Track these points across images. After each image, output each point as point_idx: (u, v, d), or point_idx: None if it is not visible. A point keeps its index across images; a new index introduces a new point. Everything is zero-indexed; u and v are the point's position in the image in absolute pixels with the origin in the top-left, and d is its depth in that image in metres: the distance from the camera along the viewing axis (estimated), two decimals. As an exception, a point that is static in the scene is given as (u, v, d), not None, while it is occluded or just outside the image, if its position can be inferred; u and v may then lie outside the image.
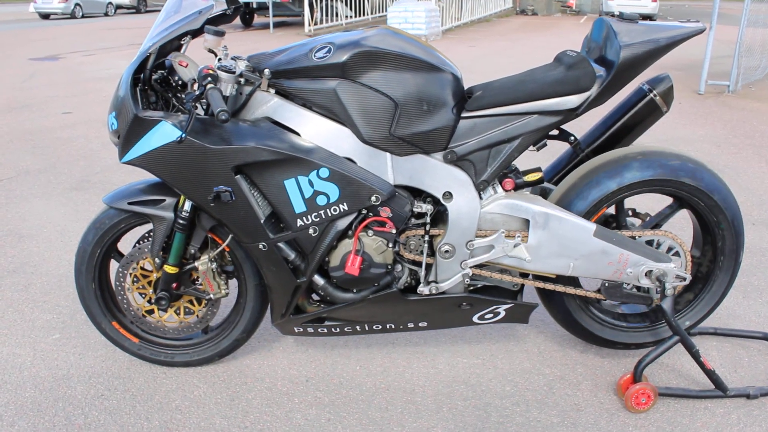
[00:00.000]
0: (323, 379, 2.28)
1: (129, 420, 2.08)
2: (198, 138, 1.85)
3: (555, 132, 2.26)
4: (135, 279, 2.20)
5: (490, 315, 2.16)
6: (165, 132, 1.86)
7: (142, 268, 2.19)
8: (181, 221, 2.04)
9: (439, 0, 15.22)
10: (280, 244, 1.99)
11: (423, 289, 2.06)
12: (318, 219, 1.94)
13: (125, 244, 2.29)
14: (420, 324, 2.17)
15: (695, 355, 2.10)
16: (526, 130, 1.96)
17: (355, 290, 2.07)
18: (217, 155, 1.85)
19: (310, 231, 1.95)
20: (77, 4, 22.46)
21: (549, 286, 2.12)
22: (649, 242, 2.14)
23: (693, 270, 2.29)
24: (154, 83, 1.97)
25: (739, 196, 4.08)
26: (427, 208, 1.99)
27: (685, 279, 2.09)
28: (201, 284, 2.19)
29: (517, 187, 2.07)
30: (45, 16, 22.32)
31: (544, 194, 2.23)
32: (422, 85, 1.90)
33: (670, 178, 2.03)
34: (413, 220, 2.05)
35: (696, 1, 32.38)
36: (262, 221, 1.95)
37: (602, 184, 2.05)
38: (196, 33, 2.10)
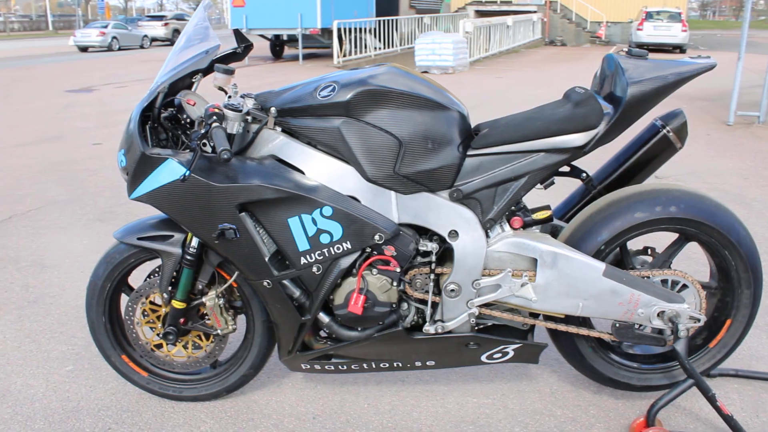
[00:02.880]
0: (330, 416, 2.25)
1: None
2: (203, 176, 1.87)
3: (566, 169, 2.23)
4: (144, 313, 2.21)
5: (499, 355, 2.12)
6: (171, 170, 1.89)
7: (152, 303, 2.20)
8: (188, 257, 2.06)
9: (467, 32, 15.32)
10: (285, 282, 1.99)
11: (429, 328, 2.04)
12: (321, 257, 1.94)
13: (136, 278, 2.31)
14: (428, 363, 2.15)
15: (711, 400, 2.03)
16: (533, 168, 1.94)
17: (359, 328, 2.05)
18: (221, 193, 1.87)
19: (314, 269, 1.95)
20: (114, 38, 23.20)
21: (560, 327, 2.08)
22: (663, 282, 2.09)
23: (708, 310, 2.23)
24: (163, 121, 2.00)
25: (767, 230, 3.98)
26: (432, 246, 1.97)
27: (699, 320, 2.03)
28: (209, 319, 2.19)
29: (526, 226, 2.05)
30: (83, 49, 23.09)
31: (555, 232, 2.20)
32: (427, 124, 1.90)
33: (682, 217, 1.99)
34: (419, 258, 2.04)
35: (727, 30, 32.07)
36: (266, 259, 1.95)
37: (612, 223, 2.01)
38: (206, 71, 2.14)
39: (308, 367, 2.18)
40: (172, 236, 2.09)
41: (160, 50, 23.03)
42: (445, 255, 2.07)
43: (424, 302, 2.08)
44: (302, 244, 1.93)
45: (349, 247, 1.92)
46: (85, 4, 49.86)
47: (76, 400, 2.36)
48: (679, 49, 20.21)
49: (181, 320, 2.15)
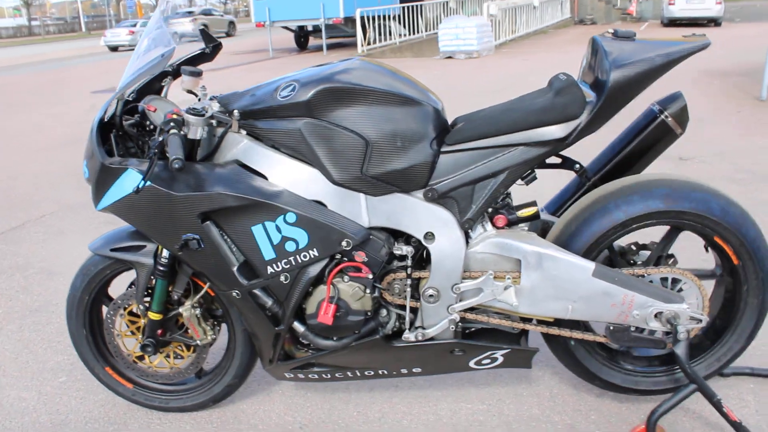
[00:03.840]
0: (318, 425, 2.18)
1: None
2: (163, 185, 1.80)
3: (558, 160, 2.10)
4: (124, 325, 2.17)
5: (488, 360, 2.01)
6: (132, 179, 1.83)
7: (130, 314, 2.15)
8: (160, 268, 1.99)
9: (492, 15, 15.02)
10: (255, 291, 1.91)
11: (409, 335, 1.94)
12: (288, 266, 1.85)
13: (118, 288, 2.27)
14: (414, 370, 2.05)
15: (717, 405, 1.89)
16: (512, 163, 1.82)
17: (335, 338, 1.96)
18: (181, 202, 1.80)
19: (281, 278, 1.87)
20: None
21: (551, 331, 1.96)
22: (662, 280, 1.95)
23: (713, 309, 2.08)
24: (128, 128, 1.94)
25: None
26: (407, 250, 1.87)
27: (700, 321, 1.89)
28: (188, 330, 2.13)
29: (511, 224, 1.93)
30: (114, 49, 23.42)
31: (547, 229, 2.07)
32: (394, 120, 1.79)
33: (682, 210, 1.85)
34: (396, 263, 1.94)
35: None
36: (234, 268, 1.87)
37: (604, 217, 1.87)
38: (175, 74, 2.06)
39: (292, 375, 2.10)
40: (145, 246, 2.03)
41: (188, 47, 23.21)
42: (425, 258, 1.97)
43: (404, 308, 1.98)
44: (268, 253, 1.84)
45: (316, 254, 1.82)
46: (116, 4, 50.63)
47: (65, 413, 2.33)
48: (714, 22, 19.47)
49: (159, 331, 2.09)
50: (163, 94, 2.07)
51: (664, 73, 1.76)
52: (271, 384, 2.43)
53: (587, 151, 2.57)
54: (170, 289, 2.07)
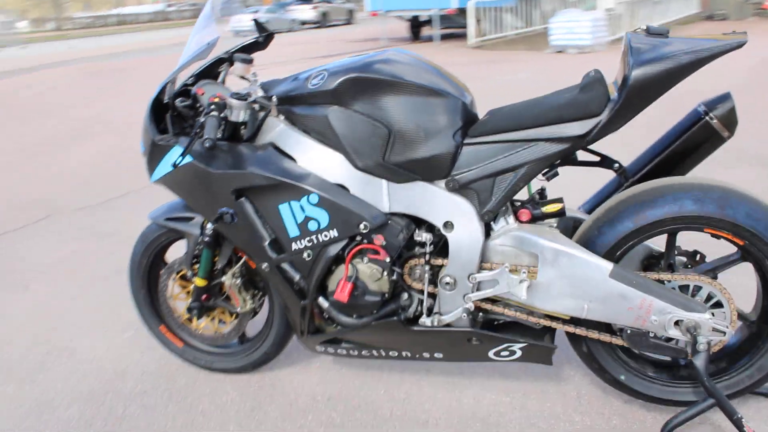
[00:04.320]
0: (344, 399, 2.29)
1: (158, 418, 2.25)
2: (203, 162, 1.97)
3: (596, 158, 2.08)
4: (175, 288, 2.37)
5: (506, 353, 2.04)
6: (177, 156, 2.00)
7: (181, 278, 2.35)
8: (206, 238, 2.17)
9: (609, 9, 14.43)
10: (284, 266, 2.04)
11: (425, 320, 2.00)
12: (310, 244, 1.96)
13: (175, 254, 2.48)
14: (435, 355, 2.11)
15: (737, 424, 1.82)
16: (531, 158, 1.82)
17: (355, 315, 2.05)
18: (218, 179, 1.96)
19: (304, 255, 1.98)
20: (265, 22, 24.44)
21: (568, 329, 1.96)
22: (684, 288, 1.89)
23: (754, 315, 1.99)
24: (182, 110, 2.11)
25: None
26: (427, 237, 1.93)
27: (724, 333, 1.82)
28: (230, 298, 2.30)
29: (535, 219, 1.94)
30: (239, 34, 24.55)
31: (577, 226, 2.05)
32: (418, 111, 1.85)
33: (714, 216, 1.78)
34: (418, 249, 2.00)
35: None
36: (265, 243, 2.01)
37: (629, 219, 1.84)
38: (231, 61, 2.22)
39: (323, 349, 2.22)
40: (194, 218, 2.22)
41: (308, 33, 23.94)
42: (446, 246, 2.01)
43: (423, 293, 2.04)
44: (292, 231, 1.96)
45: (336, 235, 1.93)
46: (246, -8, 53.04)
47: (126, 364, 2.59)
48: None
49: (204, 297, 2.28)
50: (219, 80, 2.23)
51: (691, 72, 1.70)
52: (312, 357, 2.56)
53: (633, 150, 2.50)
54: (215, 258, 2.24)
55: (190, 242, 2.22)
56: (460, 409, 2.21)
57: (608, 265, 1.82)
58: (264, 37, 2.25)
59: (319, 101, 1.90)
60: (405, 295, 2.05)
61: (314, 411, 2.24)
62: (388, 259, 1.94)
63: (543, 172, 1.93)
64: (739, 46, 1.68)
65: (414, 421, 2.16)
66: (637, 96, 1.71)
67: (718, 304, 1.87)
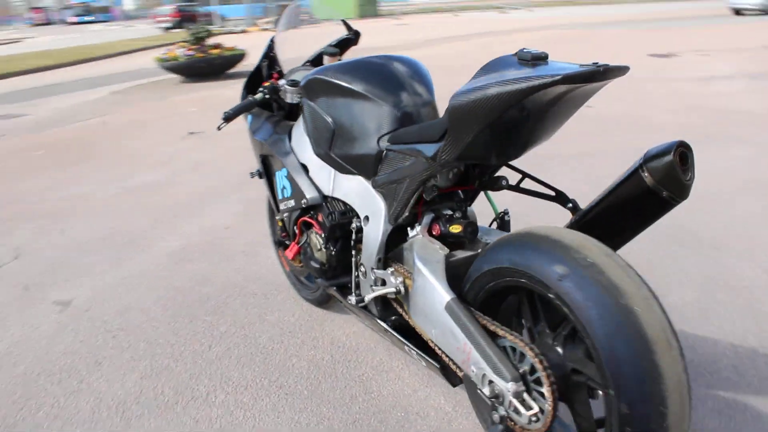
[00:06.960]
0: (367, 352, 2.52)
1: (251, 331, 2.90)
2: (252, 129, 2.59)
3: (552, 193, 1.95)
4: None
5: (417, 356, 2.10)
6: (247, 122, 2.68)
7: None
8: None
9: None
10: (284, 220, 2.55)
11: (351, 297, 2.20)
12: (284, 207, 2.43)
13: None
14: (378, 332, 2.26)
15: None
16: (410, 172, 1.86)
17: (316, 276, 2.39)
18: (254, 143, 2.57)
19: (285, 216, 2.46)
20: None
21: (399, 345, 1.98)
22: (513, 350, 1.65)
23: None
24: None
25: None
26: (353, 225, 2.17)
27: (521, 415, 1.56)
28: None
29: (442, 236, 1.97)
30: (737, 12, 22.20)
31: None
32: (354, 115, 2.05)
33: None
34: (355, 234, 2.22)
35: None
36: (276, 199, 2.55)
37: (480, 260, 1.76)
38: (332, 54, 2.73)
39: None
40: None
41: None
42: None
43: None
44: (279, 193, 2.47)
45: (293, 204, 2.34)
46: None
47: (237, 270, 3.43)
48: None
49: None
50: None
51: (502, 108, 1.46)
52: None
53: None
54: None
55: None
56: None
57: (447, 297, 1.75)
58: (353, 33, 2.68)
59: (303, 93, 2.29)
60: (355, 272, 2.31)
61: (343, 363, 2.68)
62: (323, 235, 2.26)
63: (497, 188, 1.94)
64: (559, 81, 1.35)
65: (418, 416, 2.42)
66: (455, 127, 1.60)
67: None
